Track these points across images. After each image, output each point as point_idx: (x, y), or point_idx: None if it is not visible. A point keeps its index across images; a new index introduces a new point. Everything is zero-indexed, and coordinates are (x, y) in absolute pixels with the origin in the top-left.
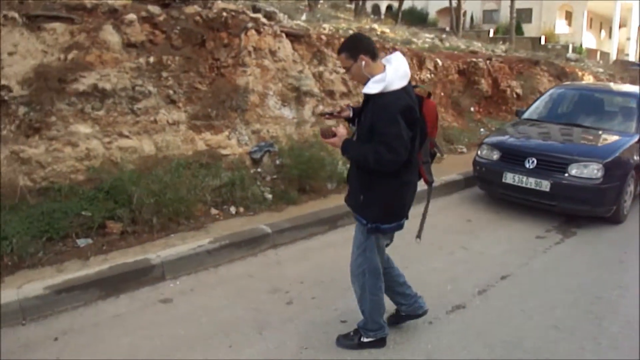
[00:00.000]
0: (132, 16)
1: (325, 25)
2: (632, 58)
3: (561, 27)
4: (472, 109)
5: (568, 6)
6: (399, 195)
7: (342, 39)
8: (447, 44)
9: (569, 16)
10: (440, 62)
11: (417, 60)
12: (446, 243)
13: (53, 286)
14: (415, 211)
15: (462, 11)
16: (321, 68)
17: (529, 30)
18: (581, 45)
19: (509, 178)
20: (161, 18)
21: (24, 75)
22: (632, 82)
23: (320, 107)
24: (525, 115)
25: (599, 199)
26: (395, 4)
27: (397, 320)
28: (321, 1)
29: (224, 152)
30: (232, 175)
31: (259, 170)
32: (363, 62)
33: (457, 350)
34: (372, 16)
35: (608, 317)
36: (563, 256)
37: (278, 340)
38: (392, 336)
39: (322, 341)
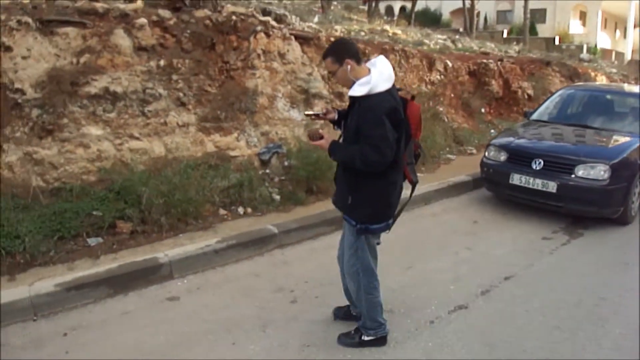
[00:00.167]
0: (143, 20)
1: (338, 27)
2: None
3: (575, 27)
4: (482, 110)
5: (582, 6)
6: (386, 195)
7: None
8: (459, 45)
9: (583, 16)
10: (450, 64)
11: (427, 61)
12: (451, 243)
13: (63, 284)
14: (420, 212)
15: (475, 12)
16: None
17: (543, 30)
18: (596, 46)
19: (516, 179)
20: (171, 22)
21: (38, 79)
22: None
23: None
24: (534, 116)
25: (605, 200)
26: (409, 5)
27: (345, 316)
28: (334, 3)
29: (232, 153)
30: (240, 177)
31: (267, 171)
32: (348, 66)
33: (457, 349)
34: (385, 17)
35: (611, 319)
36: (569, 257)
37: (281, 338)
38: (392, 335)
39: (324, 339)
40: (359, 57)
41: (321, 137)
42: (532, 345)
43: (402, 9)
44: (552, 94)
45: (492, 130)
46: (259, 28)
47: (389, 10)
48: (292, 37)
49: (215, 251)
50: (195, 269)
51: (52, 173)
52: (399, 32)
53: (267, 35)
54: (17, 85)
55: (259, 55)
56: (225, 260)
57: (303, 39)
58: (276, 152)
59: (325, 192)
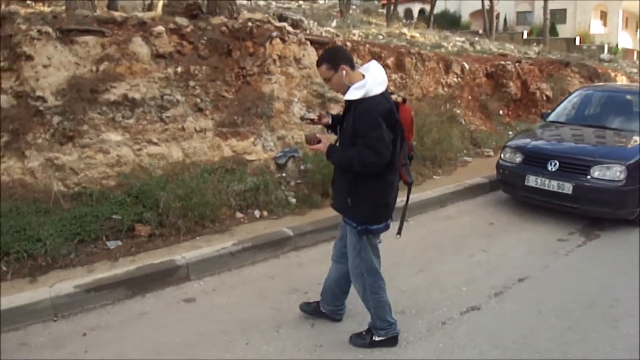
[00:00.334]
0: (160, 28)
1: (355, 31)
2: None
3: (596, 28)
4: (500, 112)
5: (603, 6)
6: (384, 195)
7: (368, 45)
8: (478, 47)
9: (604, 16)
10: (467, 66)
11: (444, 64)
12: (466, 245)
13: (83, 285)
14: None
15: (495, 13)
16: None
17: (564, 31)
18: (617, 46)
19: (532, 181)
20: (188, 29)
21: (58, 87)
22: None
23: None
24: (551, 118)
25: (621, 201)
26: (428, 8)
27: (312, 311)
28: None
29: (249, 157)
30: (256, 180)
31: (284, 175)
32: (344, 72)
33: (468, 350)
34: (404, 20)
35: (625, 320)
36: (584, 259)
37: (294, 338)
38: (404, 335)
39: (337, 340)
40: (353, 63)
41: (319, 141)
42: (544, 346)
43: (421, 11)
44: (569, 94)
45: (510, 132)
46: (274, 34)
47: (408, 13)
48: (308, 42)
49: (231, 253)
50: (212, 271)
51: (72, 178)
52: (417, 35)
53: (283, 40)
54: (39, 93)
55: (274, 61)
56: (241, 262)
57: (319, 44)
58: (292, 156)
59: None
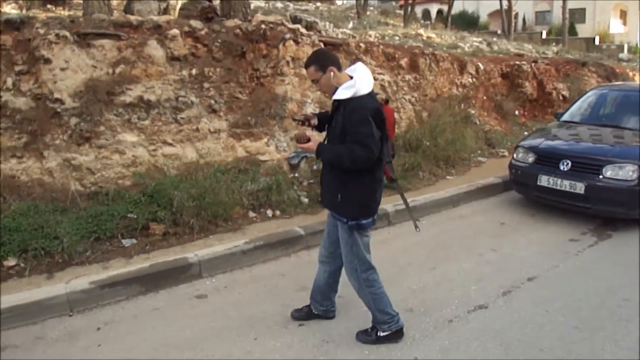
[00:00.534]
0: (175, 31)
1: (371, 33)
2: None
3: (616, 27)
4: (516, 112)
5: (622, 5)
6: (373, 191)
7: (382, 46)
8: (495, 48)
9: (623, 15)
10: (482, 66)
11: (458, 64)
12: (477, 245)
13: (98, 281)
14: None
15: (513, 13)
16: None
17: (583, 30)
18: (637, 45)
19: (544, 180)
20: (203, 32)
21: (75, 89)
22: None
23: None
24: (565, 117)
25: (634, 201)
26: (446, 8)
27: (305, 316)
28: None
29: (262, 158)
30: (269, 180)
31: (296, 175)
32: (332, 73)
33: (473, 347)
34: (422, 21)
35: (634, 320)
36: (595, 259)
37: (301, 334)
38: (410, 332)
39: (343, 336)
40: (340, 65)
41: (308, 140)
42: (549, 345)
43: (439, 12)
44: (583, 94)
45: (525, 133)
46: (287, 36)
47: (426, 13)
48: (321, 44)
49: (243, 252)
50: (224, 269)
51: (89, 178)
52: (434, 35)
53: (296, 42)
54: (57, 95)
55: (288, 62)
56: (253, 260)
57: (332, 45)
58: (305, 157)
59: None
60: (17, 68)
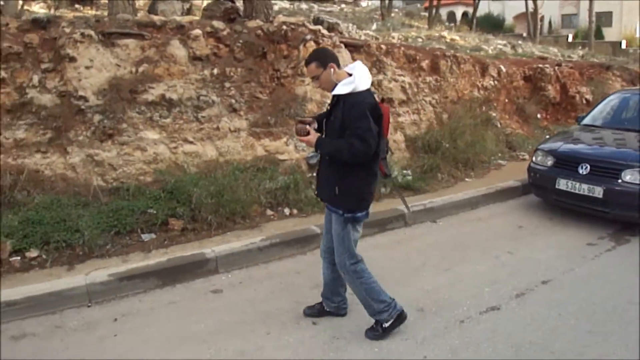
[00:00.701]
0: (197, 31)
1: (395, 34)
2: None
3: None
4: (538, 115)
5: None
6: (368, 184)
7: (403, 48)
8: (519, 50)
9: None
10: (504, 69)
11: (480, 67)
12: (493, 247)
13: (117, 274)
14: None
15: (539, 16)
16: (380, 77)
17: (610, 34)
18: None
19: (562, 184)
20: (225, 32)
21: (99, 87)
22: None
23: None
24: (586, 121)
25: None
26: (471, 10)
27: (317, 313)
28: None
29: (281, 157)
30: (287, 179)
31: (314, 174)
32: (332, 69)
33: (483, 348)
34: (447, 23)
35: None
36: (611, 264)
37: (313, 330)
38: (420, 332)
39: (354, 333)
40: (339, 63)
41: (308, 133)
42: (560, 348)
43: (465, 14)
44: (605, 97)
45: (547, 136)
46: (308, 37)
47: (451, 15)
48: (342, 45)
49: (260, 249)
50: (240, 265)
51: (111, 173)
52: (457, 38)
53: (317, 43)
54: (81, 93)
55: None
56: (269, 257)
57: (353, 47)
58: None
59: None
60: (43, 66)
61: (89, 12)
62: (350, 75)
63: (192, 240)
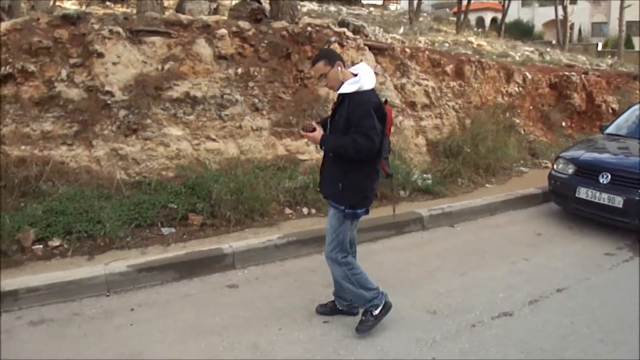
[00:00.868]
0: (223, 31)
1: (421, 38)
2: None
3: None
4: (563, 123)
5: None
6: (371, 181)
7: (427, 52)
8: (547, 58)
9: None
10: (529, 76)
11: (505, 73)
12: (510, 254)
13: (135, 265)
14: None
15: (569, 24)
16: (404, 80)
17: None
18: None
19: (582, 193)
20: (250, 32)
21: (126, 83)
22: None
23: (400, 118)
24: (609, 130)
25: None
26: (500, 16)
27: (330, 311)
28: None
29: (302, 157)
30: (307, 179)
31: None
32: (339, 68)
33: (493, 353)
34: (475, 29)
35: None
36: (628, 274)
37: (325, 328)
38: (431, 334)
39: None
40: (344, 63)
41: (313, 129)
42: (571, 356)
43: (494, 20)
44: (629, 107)
45: (571, 144)
46: (332, 39)
47: (480, 21)
48: (366, 48)
49: (276, 246)
50: (257, 261)
51: (134, 168)
52: (484, 43)
53: (341, 45)
54: (107, 88)
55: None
56: (285, 255)
57: (377, 50)
58: None
59: (390, 199)
60: (71, 61)
61: (119, 9)
62: (355, 75)
63: (210, 236)
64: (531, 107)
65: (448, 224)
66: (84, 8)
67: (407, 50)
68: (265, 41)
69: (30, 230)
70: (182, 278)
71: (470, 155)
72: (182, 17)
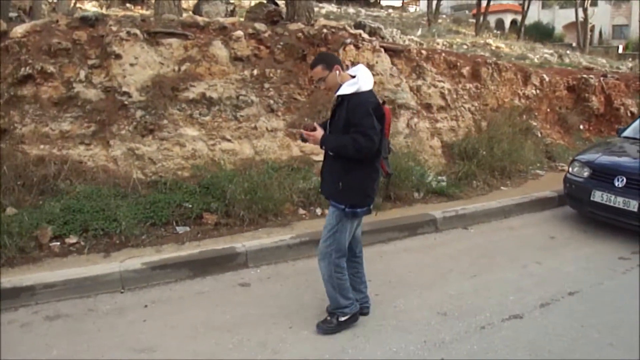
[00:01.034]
0: (239, 33)
1: (439, 40)
2: None
3: None
4: (581, 126)
5: None
6: (372, 180)
7: (444, 54)
8: (566, 60)
9: None
10: (547, 78)
11: (522, 75)
12: (522, 256)
13: (150, 263)
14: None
15: (589, 26)
16: (419, 82)
17: None
18: None
19: (597, 196)
20: (266, 34)
21: (143, 84)
22: None
23: (415, 120)
24: (626, 133)
25: None
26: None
27: None
28: (443, 16)
29: (316, 158)
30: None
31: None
32: (337, 72)
33: (501, 355)
34: (494, 31)
35: None
36: None
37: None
38: (439, 335)
39: (374, 332)
40: (342, 66)
41: (314, 129)
42: (579, 358)
43: (513, 22)
44: None
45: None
46: (348, 40)
47: (500, 23)
48: (382, 50)
49: (289, 246)
50: (269, 261)
51: (150, 167)
52: (503, 45)
53: (357, 47)
54: (125, 89)
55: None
56: (298, 255)
57: (393, 51)
58: None
59: (404, 200)
60: (90, 62)
61: (139, 11)
62: (353, 77)
63: (224, 235)
64: (548, 110)
65: (461, 226)
66: (103, 9)
67: (423, 52)
68: (281, 43)
69: (48, 227)
70: (195, 276)
71: (485, 158)
72: (199, 18)
